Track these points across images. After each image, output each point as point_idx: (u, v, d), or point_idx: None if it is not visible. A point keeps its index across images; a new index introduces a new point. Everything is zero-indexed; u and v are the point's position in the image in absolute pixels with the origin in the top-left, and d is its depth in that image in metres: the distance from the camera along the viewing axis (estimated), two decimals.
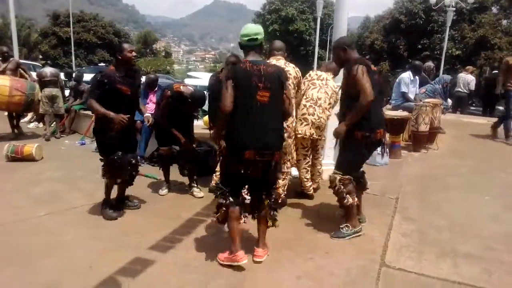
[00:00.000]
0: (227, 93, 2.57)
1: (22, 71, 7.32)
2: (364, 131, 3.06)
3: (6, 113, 7.92)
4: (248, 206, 2.84)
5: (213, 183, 4.29)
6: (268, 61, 3.62)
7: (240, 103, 2.58)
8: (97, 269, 2.67)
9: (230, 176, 2.73)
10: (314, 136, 4.02)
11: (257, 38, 2.67)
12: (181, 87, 4.11)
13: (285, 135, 3.54)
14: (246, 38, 2.68)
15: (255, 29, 2.70)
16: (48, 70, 7.31)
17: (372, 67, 3.10)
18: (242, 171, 2.63)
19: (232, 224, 2.73)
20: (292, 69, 3.67)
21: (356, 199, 3.21)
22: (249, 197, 2.89)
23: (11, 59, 7.17)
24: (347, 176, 3.17)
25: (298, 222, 3.58)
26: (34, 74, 8.06)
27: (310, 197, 4.18)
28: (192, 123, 4.37)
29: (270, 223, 2.84)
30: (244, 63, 2.65)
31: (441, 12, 24.57)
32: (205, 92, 4.37)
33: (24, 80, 6.97)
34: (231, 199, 2.72)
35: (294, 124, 3.77)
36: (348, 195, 3.16)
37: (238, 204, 2.74)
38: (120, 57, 3.44)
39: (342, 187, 3.16)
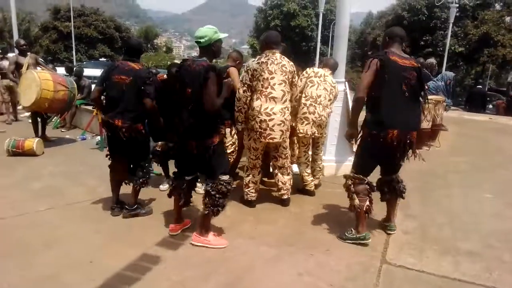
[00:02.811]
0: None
1: (42, 67, 6.71)
2: (371, 128, 2.92)
3: (28, 119, 7.59)
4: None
5: None
6: (263, 54, 3.61)
7: (177, 98, 2.92)
8: (97, 263, 2.67)
9: (177, 161, 3.14)
10: (316, 134, 4.01)
11: (199, 41, 2.90)
12: (164, 76, 4.08)
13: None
14: (195, 40, 2.95)
15: (199, 32, 2.92)
16: (6, 64, 7.63)
17: (406, 62, 2.88)
18: (183, 158, 3.01)
19: (174, 202, 3.17)
20: (287, 63, 3.57)
21: (366, 203, 3.02)
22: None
23: (28, 53, 6.62)
24: (359, 176, 3.03)
25: (299, 218, 3.58)
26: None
27: (311, 193, 4.17)
28: None
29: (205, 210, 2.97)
30: (187, 60, 2.97)
31: (444, 9, 24.47)
32: None
33: (60, 74, 6.36)
34: (175, 182, 3.12)
35: (285, 119, 3.59)
36: (355, 195, 3.03)
37: (178, 187, 3.10)
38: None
39: (352, 186, 3.06)
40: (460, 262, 2.85)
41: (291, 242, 3.08)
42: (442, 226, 3.49)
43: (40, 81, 5.44)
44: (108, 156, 3.59)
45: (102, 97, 3.60)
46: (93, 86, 8.43)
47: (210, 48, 2.92)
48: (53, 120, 7.20)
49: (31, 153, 5.38)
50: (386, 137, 2.85)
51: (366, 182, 3.05)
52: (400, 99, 2.87)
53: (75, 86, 6.18)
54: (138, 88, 3.32)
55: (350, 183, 3.08)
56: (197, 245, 2.97)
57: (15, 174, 4.66)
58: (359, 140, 3.12)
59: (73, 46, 31.80)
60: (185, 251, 2.91)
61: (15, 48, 7.36)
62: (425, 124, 6.37)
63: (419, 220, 3.60)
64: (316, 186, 4.30)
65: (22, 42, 6.70)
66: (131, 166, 3.55)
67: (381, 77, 2.85)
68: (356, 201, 3.02)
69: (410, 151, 3.09)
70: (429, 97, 6.58)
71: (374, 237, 3.21)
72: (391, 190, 3.24)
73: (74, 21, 33.15)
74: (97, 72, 14.60)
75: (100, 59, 27.70)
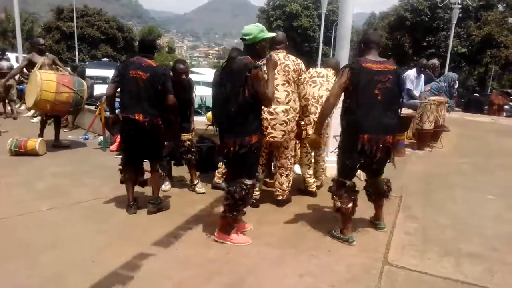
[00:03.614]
0: None
1: (60, 68, 6.45)
2: (345, 133, 3.02)
3: (36, 120, 7.63)
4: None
5: (215, 179, 4.30)
6: (269, 55, 3.62)
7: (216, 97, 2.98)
8: (99, 263, 2.68)
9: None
10: None
11: (244, 38, 2.88)
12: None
13: (286, 128, 3.55)
14: (240, 37, 2.92)
15: (245, 30, 2.89)
16: (5, 64, 8.74)
17: (379, 66, 2.93)
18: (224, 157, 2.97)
19: None
20: (291, 63, 3.56)
21: (349, 205, 3.06)
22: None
23: (46, 53, 6.40)
24: (341, 179, 3.10)
25: (301, 219, 3.57)
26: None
27: (313, 194, 4.17)
28: (187, 111, 4.20)
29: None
30: (231, 59, 2.89)
31: (446, 10, 24.47)
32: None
33: (70, 75, 6.05)
34: None
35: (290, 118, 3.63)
36: (337, 198, 3.09)
37: None
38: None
39: (334, 189, 3.14)
40: (462, 263, 2.85)
41: (293, 243, 3.08)
42: (444, 228, 3.48)
43: (41, 82, 5.31)
44: (120, 156, 3.64)
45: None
46: (95, 86, 8.52)
47: (255, 47, 2.88)
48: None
49: (33, 153, 5.40)
50: (357, 142, 2.90)
51: (347, 184, 3.09)
52: (373, 104, 2.91)
53: (84, 88, 5.90)
54: (156, 84, 3.39)
55: (332, 186, 3.15)
56: (220, 242, 3.00)
57: (18, 174, 4.68)
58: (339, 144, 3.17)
59: (76, 46, 31.94)
60: (188, 252, 2.92)
61: (32, 47, 7.29)
62: (428, 125, 6.36)
63: (421, 222, 3.60)
64: (318, 187, 4.30)
65: (41, 41, 6.53)
66: (148, 161, 3.61)
67: (354, 84, 2.91)
68: (338, 203, 3.07)
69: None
70: (432, 98, 6.66)
71: (375, 239, 3.22)
72: (375, 191, 3.30)
73: (77, 21, 33.30)
74: (99, 72, 14.68)
75: (103, 59, 27.79)
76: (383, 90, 2.90)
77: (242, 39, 2.89)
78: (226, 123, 2.88)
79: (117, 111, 3.69)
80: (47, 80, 5.39)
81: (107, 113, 6.08)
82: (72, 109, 5.86)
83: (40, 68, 5.82)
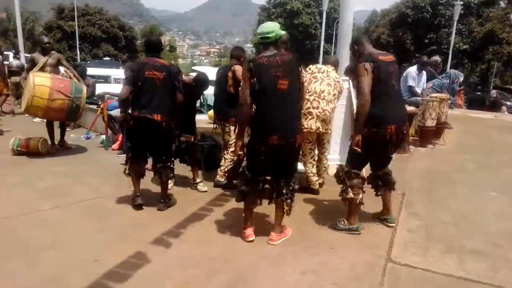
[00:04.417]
0: (245, 88, 2.80)
1: (65, 68, 6.08)
2: (369, 126, 3.01)
3: (38, 119, 7.47)
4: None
5: (218, 177, 4.29)
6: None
7: (263, 94, 2.76)
8: (100, 262, 2.67)
9: (253, 162, 2.97)
10: (320, 129, 3.99)
11: (268, 37, 2.82)
12: (184, 76, 4.12)
13: None
14: (259, 37, 2.88)
15: (266, 28, 2.86)
16: (15, 62, 9.37)
17: (387, 58, 3.04)
18: (264, 155, 2.84)
19: (246, 206, 3.12)
20: None
21: (360, 196, 3.16)
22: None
23: (52, 52, 5.93)
24: (354, 170, 3.16)
25: (303, 217, 3.57)
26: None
27: (315, 192, 4.17)
28: (194, 115, 4.29)
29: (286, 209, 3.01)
30: (261, 58, 2.81)
31: (448, 6, 24.39)
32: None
33: (69, 80, 5.60)
34: (249, 185, 3.00)
35: None
36: (350, 189, 3.15)
37: (253, 190, 3.00)
38: None
39: (346, 179, 3.19)
40: (465, 260, 2.84)
41: (294, 241, 3.08)
42: (447, 225, 3.47)
43: (33, 86, 5.00)
44: (124, 154, 3.64)
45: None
46: (97, 85, 8.52)
47: (276, 44, 2.86)
48: None
49: (36, 152, 5.40)
50: (384, 132, 2.97)
51: (360, 176, 3.18)
52: (392, 94, 3.03)
53: (82, 96, 5.47)
54: (171, 83, 3.45)
55: (345, 177, 3.20)
56: (275, 244, 3.02)
57: (20, 173, 4.68)
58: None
59: (77, 45, 31.96)
60: (189, 250, 2.91)
61: (36, 47, 7.17)
62: (430, 122, 6.34)
63: (424, 219, 3.58)
64: (321, 184, 4.29)
65: (45, 39, 6.07)
66: (156, 160, 3.63)
67: (376, 77, 2.96)
68: (351, 194, 3.14)
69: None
70: (434, 95, 6.63)
71: (378, 236, 3.21)
72: (385, 183, 3.35)
73: (78, 21, 33.35)
74: (101, 71, 14.70)
75: (104, 58, 27.84)
76: (395, 80, 3.03)
77: (263, 38, 2.83)
78: (289, 120, 2.79)
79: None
80: (40, 85, 5.05)
81: (109, 112, 6.12)
82: (66, 115, 5.52)
83: (42, 68, 5.61)
